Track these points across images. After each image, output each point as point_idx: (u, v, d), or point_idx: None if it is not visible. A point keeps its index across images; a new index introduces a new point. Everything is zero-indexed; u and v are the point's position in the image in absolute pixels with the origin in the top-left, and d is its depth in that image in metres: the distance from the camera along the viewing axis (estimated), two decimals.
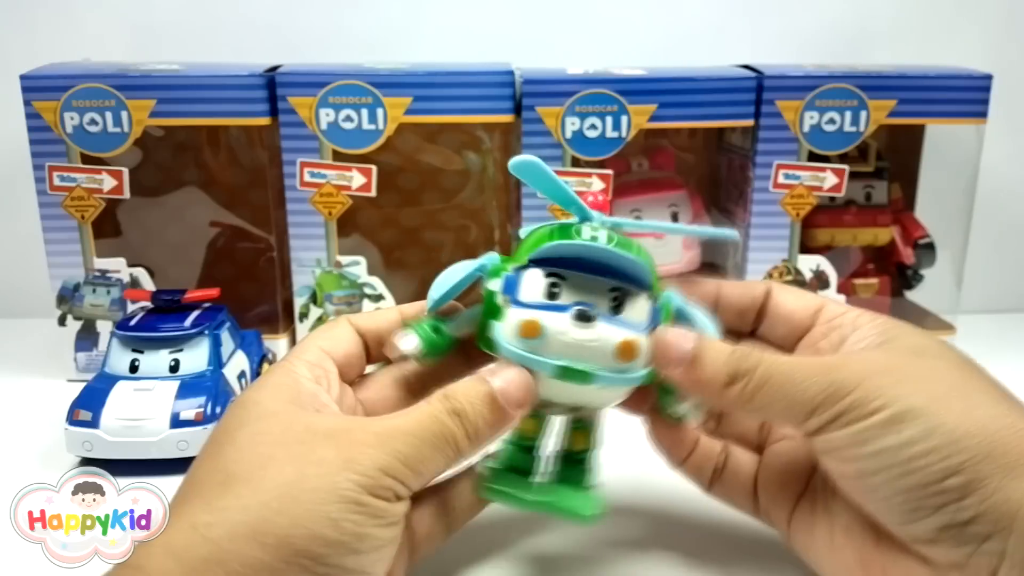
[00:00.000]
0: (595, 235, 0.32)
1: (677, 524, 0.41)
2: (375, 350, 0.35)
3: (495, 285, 0.32)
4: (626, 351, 0.30)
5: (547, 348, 0.30)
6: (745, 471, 0.37)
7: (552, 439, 0.35)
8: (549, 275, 0.31)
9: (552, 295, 0.31)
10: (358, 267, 0.59)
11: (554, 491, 0.34)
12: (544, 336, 0.30)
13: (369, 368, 0.37)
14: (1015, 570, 0.27)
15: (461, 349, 0.35)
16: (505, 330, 0.31)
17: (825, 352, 0.34)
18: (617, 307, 0.31)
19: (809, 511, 0.34)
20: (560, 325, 0.30)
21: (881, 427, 0.29)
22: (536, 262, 0.31)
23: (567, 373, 0.30)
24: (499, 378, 0.31)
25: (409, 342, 0.33)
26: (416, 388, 0.35)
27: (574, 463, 0.35)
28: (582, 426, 0.34)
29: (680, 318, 0.33)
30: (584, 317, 0.30)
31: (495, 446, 0.35)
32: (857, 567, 0.32)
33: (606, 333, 0.30)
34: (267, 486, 0.27)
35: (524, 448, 0.34)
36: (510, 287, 0.32)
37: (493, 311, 0.32)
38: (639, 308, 0.31)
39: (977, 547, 0.28)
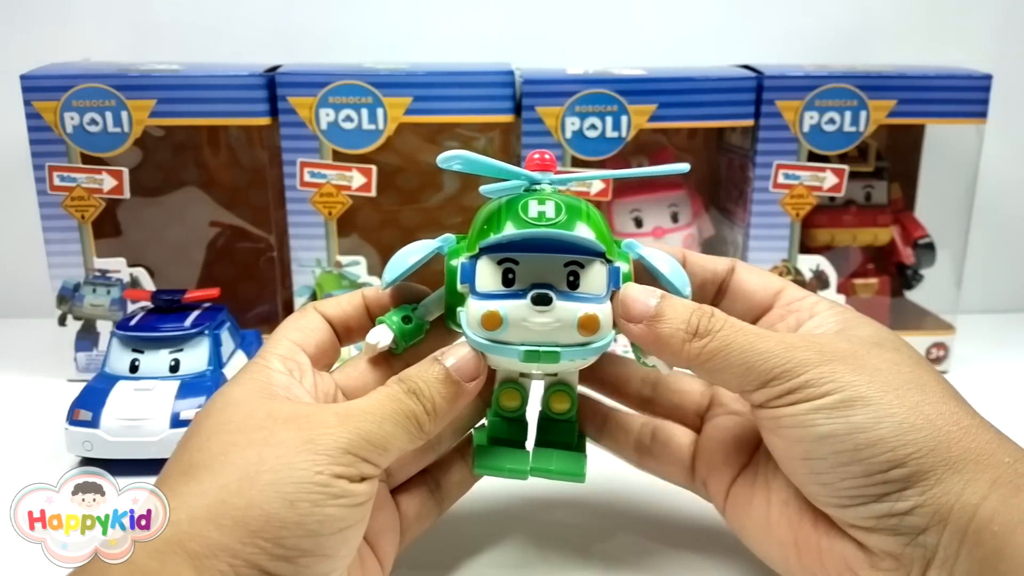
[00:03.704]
0: (542, 210, 0.31)
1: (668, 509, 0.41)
2: (345, 335, 0.36)
3: (455, 267, 0.33)
4: (587, 325, 0.31)
5: (511, 335, 0.31)
6: (678, 443, 0.37)
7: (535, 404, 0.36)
8: (502, 261, 0.31)
9: (508, 281, 0.31)
10: (358, 267, 0.59)
11: (544, 456, 0.34)
12: (506, 325, 0.31)
13: (345, 350, 0.37)
14: (947, 563, 0.28)
15: (435, 329, 0.35)
16: (469, 321, 0.32)
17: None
18: (574, 281, 0.31)
19: (749, 485, 0.34)
20: (519, 312, 0.31)
21: (830, 410, 0.29)
22: (488, 249, 0.32)
23: (534, 356, 0.31)
24: (451, 357, 0.32)
25: (383, 336, 0.34)
26: (398, 367, 0.35)
27: (559, 424, 0.35)
28: (561, 388, 0.35)
29: (644, 269, 0.34)
30: (542, 300, 0.30)
31: (484, 419, 0.36)
32: (791, 546, 0.32)
33: (566, 311, 0.31)
34: (227, 470, 0.27)
35: (510, 419, 0.35)
36: (467, 276, 0.32)
37: (456, 296, 0.33)
38: (596, 277, 0.31)
39: (913, 538, 0.28)
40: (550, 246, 0.31)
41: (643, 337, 0.32)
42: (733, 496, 0.35)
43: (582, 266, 0.31)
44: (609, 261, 0.32)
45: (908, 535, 0.28)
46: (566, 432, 0.35)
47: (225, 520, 0.26)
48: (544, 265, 0.31)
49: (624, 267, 0.33)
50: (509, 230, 0.31)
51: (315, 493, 0.27)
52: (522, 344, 0.31)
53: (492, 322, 0.31)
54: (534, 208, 0.31)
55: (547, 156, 0.33)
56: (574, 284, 0.31)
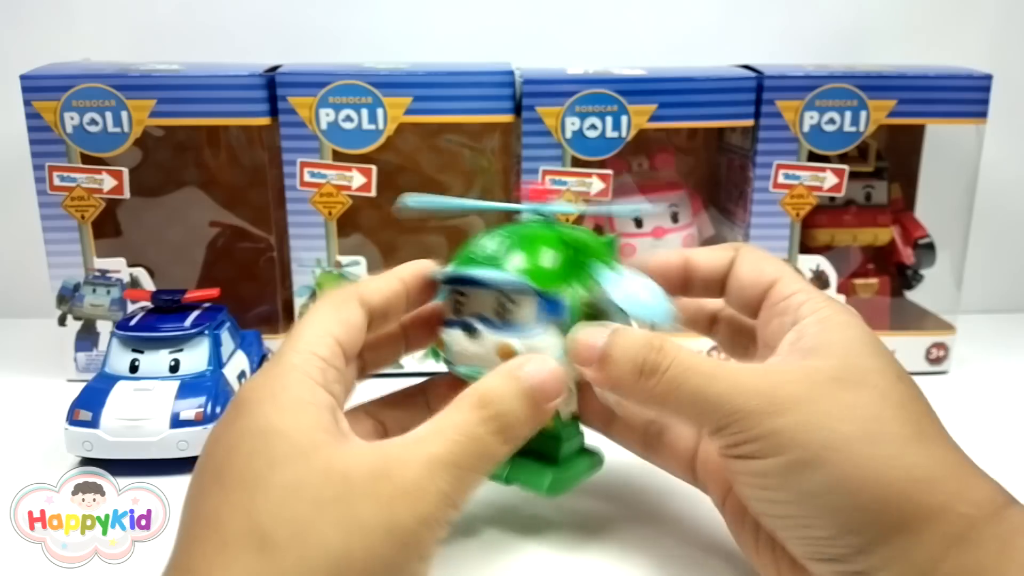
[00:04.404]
0: (488, 246, 0.35)
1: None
2: (379, 322, 0.34)
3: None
4: (504, 355, 0.33)
5: (454, 359, 0.36)
6: (683, 444, 0.37)
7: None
8: (452, 293, 0.36)
9: (457, 311, 0.35)
10: (358, 267, 0.59)
11: (520, 466, 0.36)
12: (449, 349, 0.35)
13: None
14: None
15: None
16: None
17: (768, 345, 0.33)
18: (502, 314, 0.34)
19: (742, 502, 0.34)
20: (457, 339, 0.35)
21: (782, 474, 0.28)
22: (449, 281, 0.35)
23: (469, 377, 0.33)
24: (530, 369, 0.30)
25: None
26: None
27: (543, 438, 0.36)
28: None
29: (610, 302, 0.34)
30: (469, 330, 0.34)
31: None
32: (774, 574, 0.32)
33: (489, 341, 0.34)
34: (311, 555, 0.25)
35: None
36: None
37: None
38: (523, 310, 0.33)
39: None
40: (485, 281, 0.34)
41: (597, 382, 0.32)
42: (729, 506, 0.35)
43: (512, 300, 0.33)
44: (548, 296, 0.33)
45: None
46: (548, 446, 0.36)
47: None
48: (482, 298, 0.34)
49: (567, 300, 0.33)
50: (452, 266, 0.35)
51: None
52: (460, 366, 0.35)
53: (440, 346, 0.36)
54: (484, 244, 0.35)
55: (539, 186, 0.37)
56: (501, 317, 0.34)
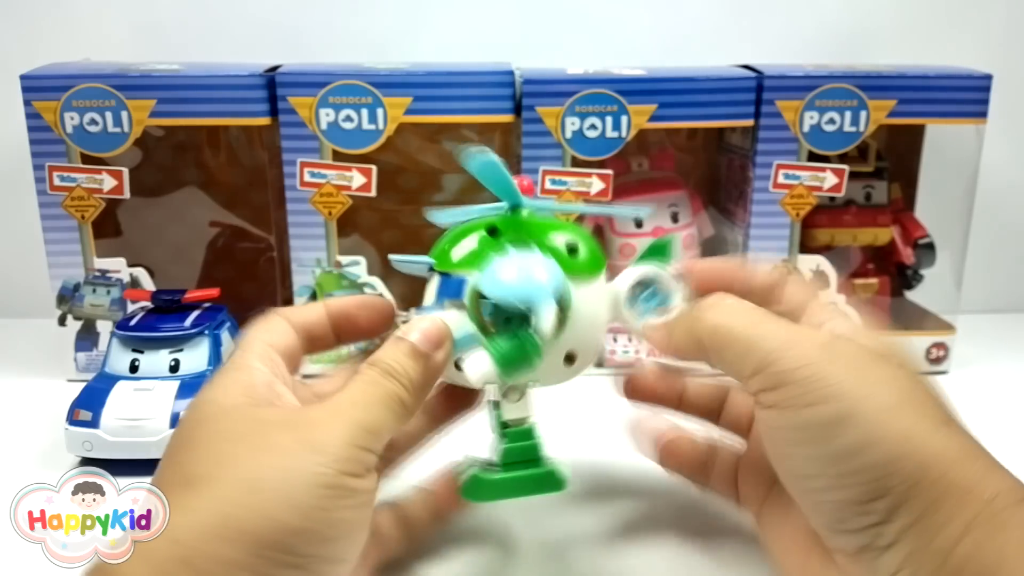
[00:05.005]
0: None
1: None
2: (307, 343, 0.35)
3: None
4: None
5: None
6: (729, 462, 0.37)
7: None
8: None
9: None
10: (358, 267, 0.59)
11: (467, 467, 0.36)
12: None
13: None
14: None
15: None
16: None
17: None
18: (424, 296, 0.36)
19: (776, 502, 0.34)
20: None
21: (819, 426, 0.28)
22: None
23: None
24: (414, 331, 0.32)
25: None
26: None
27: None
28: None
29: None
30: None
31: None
32: (800, 573, 0.32)
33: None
34: (228, 481, 0.27)
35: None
36: None
37: None
38: (429, 289, 0.35)
39: (890, 575, 0.28)
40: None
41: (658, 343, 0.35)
42: (763, 514, 0.35)
43: (427, 282, 0.35)
44: (443, 273, 0.34)
45: (884, 572, 0.28)
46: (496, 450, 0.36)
47: (233, 534, 0.25)
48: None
49: (467, 280, 0.34)
50: None
51: (323, 497, 0.27)
52: None
53: None
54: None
55: (525, 182, 0.36)
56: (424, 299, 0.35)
